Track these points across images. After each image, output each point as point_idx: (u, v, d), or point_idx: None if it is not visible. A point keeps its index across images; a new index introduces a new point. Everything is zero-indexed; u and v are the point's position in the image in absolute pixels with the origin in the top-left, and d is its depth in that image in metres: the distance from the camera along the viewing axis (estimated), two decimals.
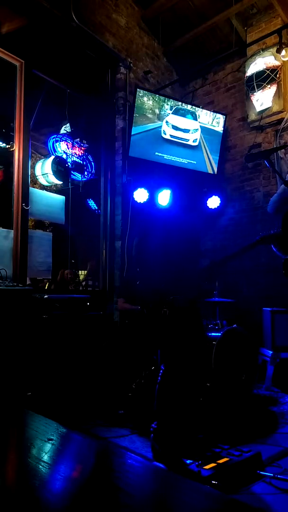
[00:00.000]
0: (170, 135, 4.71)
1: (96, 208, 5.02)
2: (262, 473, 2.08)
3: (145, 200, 4.46)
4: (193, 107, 4.87)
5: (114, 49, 4.59)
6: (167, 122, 4.70)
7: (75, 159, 4.53)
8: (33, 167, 4.28)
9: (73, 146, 4.55)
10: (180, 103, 4.82)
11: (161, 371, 2.24)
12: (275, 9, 4.54)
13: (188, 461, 2.09)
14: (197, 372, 2.35)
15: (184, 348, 2.24)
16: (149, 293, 2.31)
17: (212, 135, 4.93)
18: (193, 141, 4.83)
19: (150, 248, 2.42)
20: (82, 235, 5.66)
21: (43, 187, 4.53)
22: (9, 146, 3.67)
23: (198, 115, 4.86)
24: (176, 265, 2.36)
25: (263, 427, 2.82)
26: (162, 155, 4.69)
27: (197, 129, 4.84)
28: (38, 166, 4.32)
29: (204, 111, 4.90)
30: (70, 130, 4.61)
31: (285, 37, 4.38)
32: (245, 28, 4.93)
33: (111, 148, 4.74)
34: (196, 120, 4.84)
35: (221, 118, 4.94)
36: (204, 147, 4.91)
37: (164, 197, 4.64)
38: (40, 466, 0.70)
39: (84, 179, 4.66)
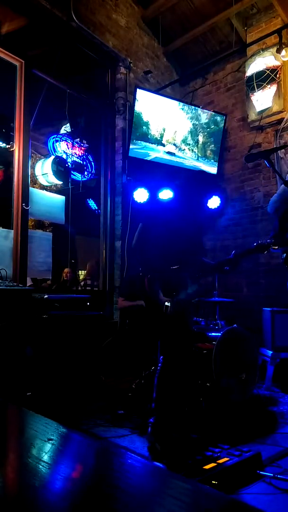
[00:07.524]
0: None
1: (96, 208, 5.03)
2: (262, 473, 2.08)
3: (145, 200, 4.46)
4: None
5: (114, 49, 4.59)
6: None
7: (75, 159, 4.53)
8: (33, 167, 4.28)
9: (73, 146, 4.55)
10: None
11: (159, 364, 2.25)
12: (275, 9, 4.54)
13: (188, 461, 2.09)
14: (194, 367, 2.36)
15: (182, 341, 2.25)
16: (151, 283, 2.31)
17: (212, 136, 4.93)
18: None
19: (152, 237, 2.41)
20: (82, 235, 5.67)
21: (43, 187, 4.53)
22: (9, 146, 3.67)
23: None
24: (179, 253, 2.34)
25: (263, 427, 2.82)
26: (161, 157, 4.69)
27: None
28: (38, 166, 4.32)
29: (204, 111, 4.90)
30: (70, 130, 4.61)
31: (285, 37, 4.38)
32: (245, 28, 4.93)
33: (111, 148, 4.74)
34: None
35: (221, 118, 4.94)
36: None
37: (164, 196, 4.64)
38: (40, 466, 0.70)
39: (84, 179, 4.66)
